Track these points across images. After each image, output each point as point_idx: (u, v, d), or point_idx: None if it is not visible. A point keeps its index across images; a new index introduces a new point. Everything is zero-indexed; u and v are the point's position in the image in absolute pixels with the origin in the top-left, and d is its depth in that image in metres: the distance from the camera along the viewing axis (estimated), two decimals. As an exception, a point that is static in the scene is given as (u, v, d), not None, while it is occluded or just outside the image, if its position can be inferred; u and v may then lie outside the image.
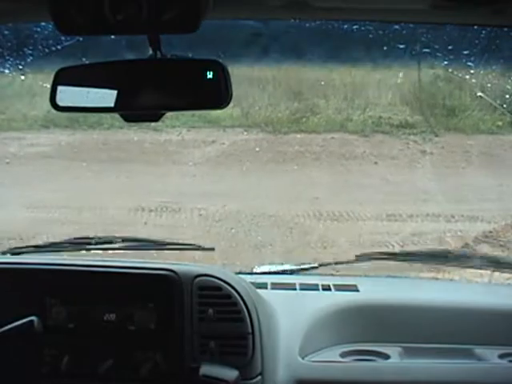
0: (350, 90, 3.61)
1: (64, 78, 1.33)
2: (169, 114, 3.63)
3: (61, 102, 1.32)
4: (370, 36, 2.18)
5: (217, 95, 1.26)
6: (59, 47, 2.30)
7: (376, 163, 3.43)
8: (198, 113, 3.59)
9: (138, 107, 1.31)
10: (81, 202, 3.56)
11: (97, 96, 1.31)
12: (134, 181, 3.71)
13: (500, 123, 3.48)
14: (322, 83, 3.67)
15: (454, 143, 3.48)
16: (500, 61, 2.36)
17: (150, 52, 1.26)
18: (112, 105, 1.29)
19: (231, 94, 1.26)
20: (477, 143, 3.51)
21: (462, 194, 3.29)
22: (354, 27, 2.09)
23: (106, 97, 1.29)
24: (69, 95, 1.33)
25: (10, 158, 3.66)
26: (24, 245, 2.10)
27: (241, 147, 3.50)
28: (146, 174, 3.71)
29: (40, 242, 3.27)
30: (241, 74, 3.81)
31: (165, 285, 1.74)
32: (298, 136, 3.56)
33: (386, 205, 3.19)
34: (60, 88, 1.32)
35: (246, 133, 3.44)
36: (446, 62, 2.41)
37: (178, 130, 3.60)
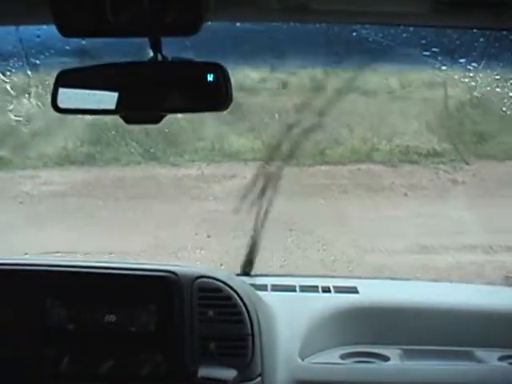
0: (374, 119, 3.52)
1: (65, 80, 1.34)
2: (187, 149, 3.52)
3: (62, 104, 1.34)
4: (370, 40, 2.20)
5: (217, 98, 1.29)
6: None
7: (406, 194, 3.31)
8: (217, 147, 3.50)
9: (138, 109, 1.33)
10: (94, 244, 3.44)
11: (98, 98, 1.33)
12: (151, 218, 3.59)
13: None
14: (344, 113, 3.58)
15: (485, 171, 3.37)
16: (500, 64, 2.32)
17: (151, 54, 1.29)
18: (113, 107, 1.31)
19: (231, 97, 1.29)
20: (509, 170, 3.40)
21: (498, 223, 3.16)
22: (354, 33, 2.11)
23: (107, 99, 1.31)
24: (70, 97, 1.34)
25: (23, 197, 3.56)
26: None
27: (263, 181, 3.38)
28: (163, 211, 3.60)
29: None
30: (259, 105, 3.74)
31: (165, 286, 1.75)
32: (323, 168, 3.45)
33: (419, 237, 3.07)
34: (61, 90, 1.33)
35: (267, 166, 3.32)
36: (444, 67, 2.39)
37: (197, 165, 3.49)
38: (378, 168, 3.41)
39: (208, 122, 3.43)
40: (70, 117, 3.34)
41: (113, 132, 3.41)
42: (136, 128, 3.48)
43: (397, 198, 3.31)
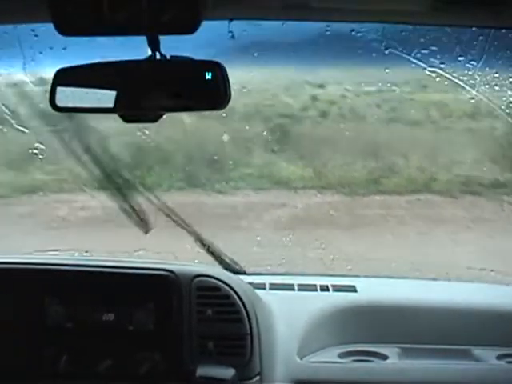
0: (426, 148, 3.37)
1: (63, 78, 1.34)
2: (233, 176, 3.34)
3: (60, 103, 1.33)
4: (369, 38, 2.22)
5: (216, 96, 1.28)
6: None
7: (469, 227, 3.14)
8: (265, 173, 3.34)
9: (137, 108, 1.32)
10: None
11: (96, 97, 1.32)
12: (191, 248, 3.41)
13: None
14: (393, 142, 3.45)
15: (552, 204, 3.19)
16: (498, 62, 2.29)
17: (149, 53, 1.28)
18: (111, 105, 1.30)
19: (230, 95, 1.28)
20: None
21: None
22: (353, 32, 2.12)
23: (105, 97, 1.30)
24: (68, 96, 1.33)
25: (57, 223, 3.39)
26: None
27: (314, 210, 3.22)
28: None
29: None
30: (306, 133, 3.59)
31: (163, 285, 1.76)
32: (378, 198, 3.28)
33: (488, 274, 2.88)
34: (59, 88, 1.33)
35: (319, 195, 3.16)
36: (442, 65, 2.36)
37: (244, 192, 3.33)
38: (437, 198, 3.24)
39: (255, 149, 3.28)
40: (110, 139, 3.18)
41: (155, 156, 3.26)
42: (179, 152, 3.33)
43: (459, 230, 3.13)
